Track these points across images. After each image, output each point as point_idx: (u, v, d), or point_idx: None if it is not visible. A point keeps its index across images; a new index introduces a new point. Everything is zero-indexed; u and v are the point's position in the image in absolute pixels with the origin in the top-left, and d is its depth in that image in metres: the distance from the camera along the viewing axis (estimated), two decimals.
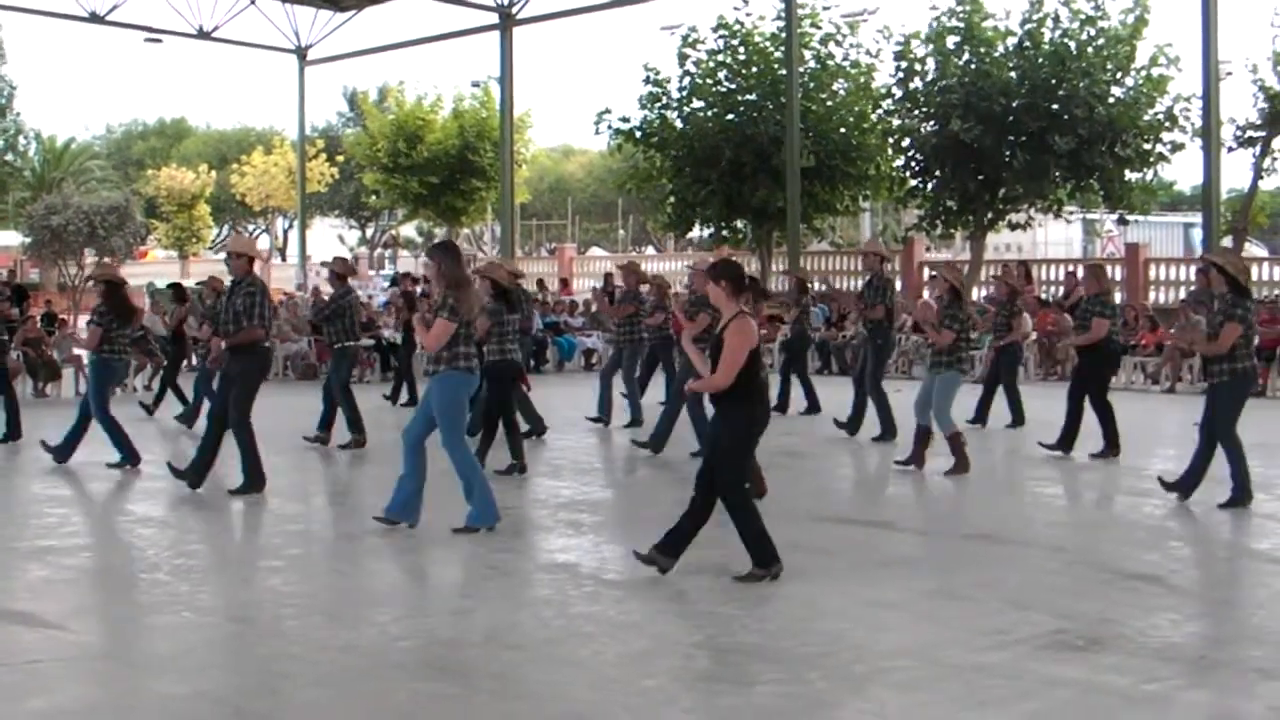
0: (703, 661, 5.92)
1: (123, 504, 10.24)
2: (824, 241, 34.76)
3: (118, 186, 48.89)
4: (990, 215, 25.47)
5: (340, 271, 13.75)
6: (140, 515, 9.63)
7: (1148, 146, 24.03)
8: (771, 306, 19.87)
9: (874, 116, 26.60)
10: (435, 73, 78.98)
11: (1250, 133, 24.04)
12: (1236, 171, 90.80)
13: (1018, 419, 14.31)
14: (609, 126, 28.07)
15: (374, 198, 41.45)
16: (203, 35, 34.05)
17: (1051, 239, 43.68)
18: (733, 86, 27.28)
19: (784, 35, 25.54)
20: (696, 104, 27.58)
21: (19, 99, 47.42)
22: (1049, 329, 19.60)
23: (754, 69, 27.08)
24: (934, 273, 14.67)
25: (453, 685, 5.54)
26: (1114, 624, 6.37)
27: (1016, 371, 15.18)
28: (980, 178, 24.62)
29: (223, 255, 17.81)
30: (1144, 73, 23.83)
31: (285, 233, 59.55)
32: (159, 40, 34.94)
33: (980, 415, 14.49)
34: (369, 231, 66.24)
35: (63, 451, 11.51)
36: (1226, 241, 23.50)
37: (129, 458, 11.27)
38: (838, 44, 27.07)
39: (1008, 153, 24.09)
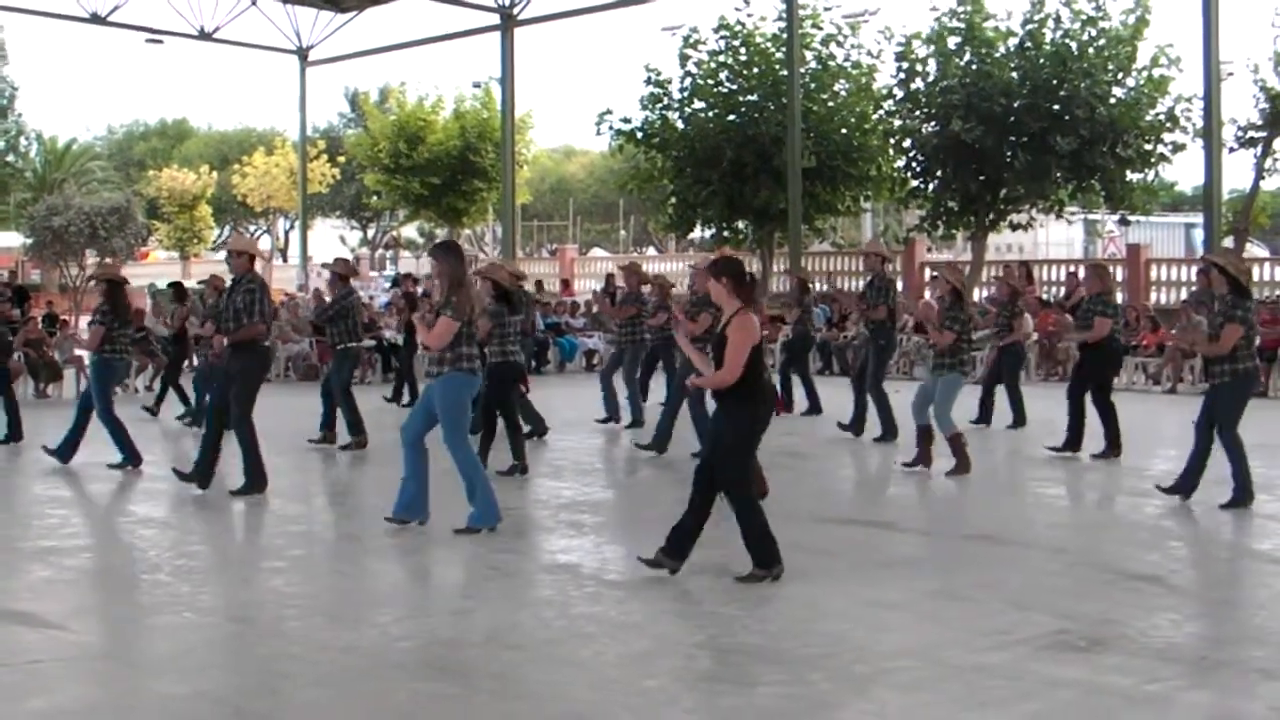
0: (704, 662, 5.91)
1: (124, 505, 10.24)
2: (825, 242, 34.77)
3: (119, 187, 48.91)
4: (991, 216, 25.46)
5: (342, 272, 13.74)
6: (141, 516, 9.63)
7: (1149, 147, 24.04)
8: (773, 307, 19.87)
9: (875, 117, 26.59)
10: (436, 73, 78.99)
11: (1251, 133, 23.99)
12: (1238, 172, 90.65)
13: (1019, 420, 14.31)
14: (610, 127, 28.10)
15: (375, 198, 41.44)
16: (204, 36, 34.08)
17: (1053, 240, 43.64)
18: (734, 87, 27.28)
19: (785, 36, 25.56)
20: (698, 105, 27.59)
21: (20, 100, 47.65)
22: (1050, 330, 19.60)
23: (755, 70, 27.08)
24: (935, 273, 14.67)
25: (453, 685, 5.54)
26: (1115, 624, 6.37)
27: (1019, 372, 15.18)
28: (981, 178, 24.61)
29: (224, 255, 17.82)
30: (1145, 73, 23.82)
31: (286, 233, 59.49)
32: (160, 41, 34.98)
33: (984, 415, 14.49)
34: (370, 232, 66.17)
35: (64, 452, 11.52)
36: (1228, 242, 23.47)
37: (130, 458, 11.27)
38: (839, 45, 27.09)
39: (1009, 153, 24.08)
